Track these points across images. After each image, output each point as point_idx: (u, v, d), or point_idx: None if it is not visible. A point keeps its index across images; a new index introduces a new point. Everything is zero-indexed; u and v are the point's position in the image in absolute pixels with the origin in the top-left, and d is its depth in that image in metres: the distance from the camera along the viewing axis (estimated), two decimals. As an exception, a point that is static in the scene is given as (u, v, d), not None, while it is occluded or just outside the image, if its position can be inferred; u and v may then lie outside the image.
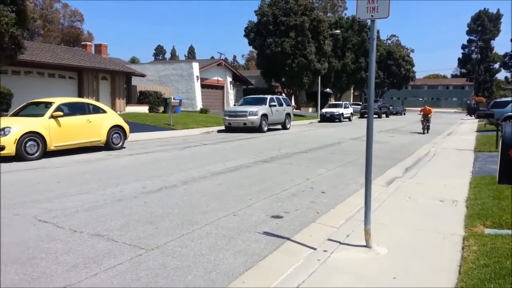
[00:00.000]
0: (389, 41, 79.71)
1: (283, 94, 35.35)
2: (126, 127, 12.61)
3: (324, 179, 7.90)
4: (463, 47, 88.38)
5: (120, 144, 12.27)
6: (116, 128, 12.22)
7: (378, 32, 47.70)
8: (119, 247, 4.13)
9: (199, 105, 31.57)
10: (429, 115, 20.14)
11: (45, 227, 4.72)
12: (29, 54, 18.75)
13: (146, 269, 3.63)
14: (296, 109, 41.22)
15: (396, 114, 49.69)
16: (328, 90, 47.65)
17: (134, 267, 3.66)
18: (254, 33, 34.39)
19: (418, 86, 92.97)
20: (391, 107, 48.96)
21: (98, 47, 31.77)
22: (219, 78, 36.20)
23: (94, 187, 6.83)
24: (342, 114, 31.83)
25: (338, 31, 38.28)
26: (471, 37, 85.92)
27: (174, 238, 4.44)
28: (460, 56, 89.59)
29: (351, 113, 34.27)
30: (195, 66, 32.55)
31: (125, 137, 12.54)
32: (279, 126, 22.16)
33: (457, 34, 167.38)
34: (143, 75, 28.83)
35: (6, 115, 12.34)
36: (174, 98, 23.48)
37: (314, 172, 8.65)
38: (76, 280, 3.39)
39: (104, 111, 12.26)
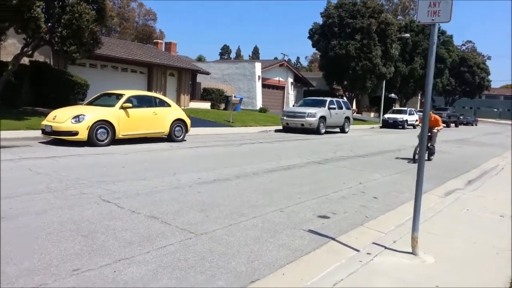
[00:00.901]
0: (464, 47, 75.06)
1: (344, 98, 34.72)
2: (188, 121, 13.20)
3: (378, 185, 7.74)
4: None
5: (181, 136, 12.88)
6: (179, 122, 12.84)
7: (451, 37, 44.99)
8: (171, 230, 4.41)
9: (259, 104, 32.02)
10: (436, 129, 11.32)
11: (107, 206, 5.16)
12: (106, 49, 20.19)
13: (193, 252, 3.86)
14: (357, 113, 40.31)
15: (467, 124, 46.72)
16: (392, 95, 46.02)
17: (183, 249, 3.91)
18: (318, 35, 34.13)
19: (493, 95, 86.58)
20: (461, 117, 46.14)
21: (168, 45, 33.42)
22: (281, 79, 36.42)
23: (154, 175, 7.28)
24: (406, 120, 30.58)
25: (407, 34, 36.73)
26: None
27: (222, 227, 4.65)
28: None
29: (417, 120, 32.76)
30: (258, 66, 33.05)
31: (186, 130, 13.14)
32: (338, 129, 21.85)
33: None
34: (207, 73, 29.85)
35: (82, 104, 13.46)
36: (235, 96, 24.08)
37: (368, 177, 8.49)
38: (130, 255, 3.70)
39: (169, 105, 12.93)
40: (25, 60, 16.17)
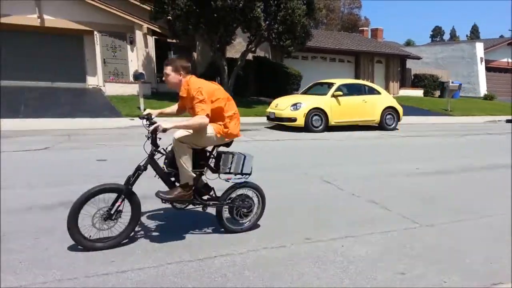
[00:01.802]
0: None
1: None
2: (400, 109, 12.66)
3: None
4: None
5: (393, 125, 12.48)
6: (390, 110, 12.46)
7: None
8: (393, 216, 4.36)
9: (482, 91, 27.95)
10: None
11: (328, 187, 5.48)
12: (315, 41, 21.20)
13: (420, 242, 3.70)
14: None
15: None
16: None
17: (408, 237, 3.80)
18: None
19: None
20: None
21: (374, 32, 32.62)
22: (510, 60, 30.72)
23: (367, 161, 7.32)
24: None
25: None
26: None
27: (450, 221, 4.29)
28: None
29: None
30: (479, 46, 28.78)
31: (398, 119, 12.64)
32: None
33: None
34: (418, 58, 27.81)
35: (297, 93, 14.60)
36: (452, 82, 21.72)
37: None
38: (355, 233, 3.84)
39: (379, 93, 12.68)
40: (249, 56, 18.59)
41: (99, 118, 11.17)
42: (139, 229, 3.71)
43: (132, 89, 16.02)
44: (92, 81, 17.64)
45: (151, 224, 3.91)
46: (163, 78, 3.81)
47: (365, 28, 35.97)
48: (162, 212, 4.21)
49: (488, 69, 29.38)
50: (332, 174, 6.19)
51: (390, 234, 3.86)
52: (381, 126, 12.29)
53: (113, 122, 10.75)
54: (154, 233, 3.69)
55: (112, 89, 16.00)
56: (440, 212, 4.57)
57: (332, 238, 3.71)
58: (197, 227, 3.86)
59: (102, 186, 3.29)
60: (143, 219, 3.94)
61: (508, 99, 22.95)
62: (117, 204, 3.29)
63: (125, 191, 3.31)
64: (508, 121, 16.87)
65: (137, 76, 13.23)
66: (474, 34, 79.21)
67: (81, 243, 3.20)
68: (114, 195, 3.30)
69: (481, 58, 28.64)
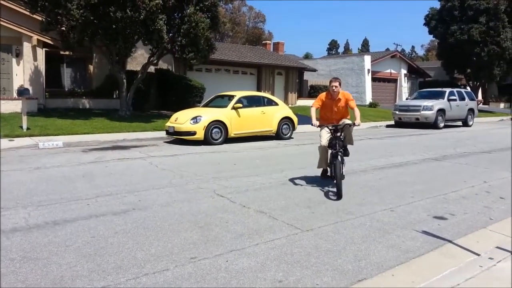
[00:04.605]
0: None
1: (468, 88, 31.39)
2: (295, 119, 13.38)
3: (506, 184, 6.88)
4: None
5: (288, 134, 13.13)
6: (286, 120, 13.10)
7: None
8: (279, 225, 4.57)
9: (368, 99, 30.81)
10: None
11: (221, 200, 5.56)
12: (219, 53, 21.54)
13: (299, 247, 3.95)
14: (484, 104, 36.00)
15: None
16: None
17: (289, 244, 4.03)
18: (435, 21, 31.40)
19: None
20: None
21: (276, 45, 34.22)
22: (392, 71, 34.46)
23: (263, 171, 7.59)
24: (546, 111, 26.37)
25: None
26: None
27: (328, 224, 4.65)
28: None
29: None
30: (367, 59, 31.79)
31: (294, 128, 13.33)
32: (459, 123, 19.90)
33: None
34: (314, 70, 29.75)
35: (199, 106, 14.61)
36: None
37: (495, 175, 7.60)
38: (241, 246, 3.95)
39: (277, 104, 13.28)
40: (151, 69, 18.17)
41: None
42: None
43: (15, 106, 14.53)
44: (-32, 98, 15.66)
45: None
46: (333, 88, 6.34)
47: (268, 42, 37.49)
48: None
49: (374, 79, 32.56)
50: (225, 187, 6.30)
51: (274, 243, 4.05)
52: (278, 135, 12.85)
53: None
54: (23, 268, 3.38)
55: (-9, 107, 14.34)
56: (320, 216, 4.91)
57: (217, 254, 3.76)
58: (68, 260, 3.63)
59: None
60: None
61: (390, 106, 25.63)
62: None
63: None
64: (387, 126, 18.83)
65: (21, 92, 12.05)
66: (365, 47, 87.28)
67: None
68: None
69: (368, 70, 31.62)
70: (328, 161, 6.35)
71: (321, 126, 6.26)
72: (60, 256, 3.62)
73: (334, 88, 6.28)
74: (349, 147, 6.56)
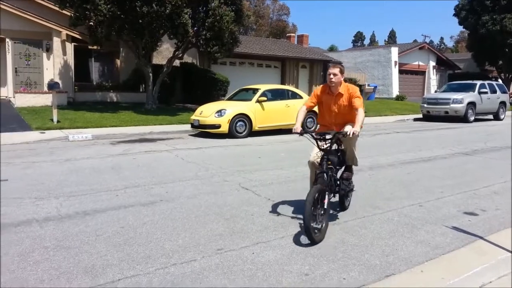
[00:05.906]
0: None
1: (499, 80, 30.26)
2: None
3: (542, 180, 6.61)
4: None
5: (313, 128, 13.01)
6: (310, 113, 12.97)
7: None
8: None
9: (395, 92, 30.19)
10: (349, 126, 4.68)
11: (246, 193, 5.58)
12: (243, 47, 21.49)
13: (325, 241, 3.92)
14: (517, 97, 34.67)
15: None
16: None
17: (314, 238, 4.00)
18: (466, 11, 30.33)
19: None
20: None
21: (300, 38, 33.87)
22: (421, 63, 33.60)
23: (287, 164, 7.57)
24: None
25: None
26: None
27: (355, 218, 4.60)
28: None
29: None
30: (394, 51, 31.11)
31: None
32: (490, 116, 19.24)
33: None
34: (339, 63, 29.30)
35: (223, 99, 14.68)
36: (368, 85, 23.20)
37: (529, 170, 7.32)
38: (266, 239, 3.96)
39: (301, 97, 13.18)
40: (177, 62, 18.35)
41: (5, 133, 10.23)
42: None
43: (46, 99, 15.00)
44: (2, 92, 16.28)
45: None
46: (330, 78, 4.41)
47: (292, 34, 37.15)
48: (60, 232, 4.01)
49: (401, 71, 31.84)
50: (250, 180, 6.32)
51: (298, 235, 4.04)
52: (302, 129, 12.72)
53: (20, 137, 9.93)
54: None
55: (23, 100, 14.84)
56: (346, 210, 4.86)
57: (243, 246, 3.79)
58: (98, 248, 3.73)
59: None
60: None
61: (418, 99, 25.04)
62: None
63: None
64: (415, 119, 18.41)
65: (52, 86, 12.41)
66: (391, 39, 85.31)
67: None
68: None
69: (395, 62, 30.94)
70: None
71: (305, 133, 4.31)
72: (91, 245, 3.72)
73: (331, 77, 4.36)
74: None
